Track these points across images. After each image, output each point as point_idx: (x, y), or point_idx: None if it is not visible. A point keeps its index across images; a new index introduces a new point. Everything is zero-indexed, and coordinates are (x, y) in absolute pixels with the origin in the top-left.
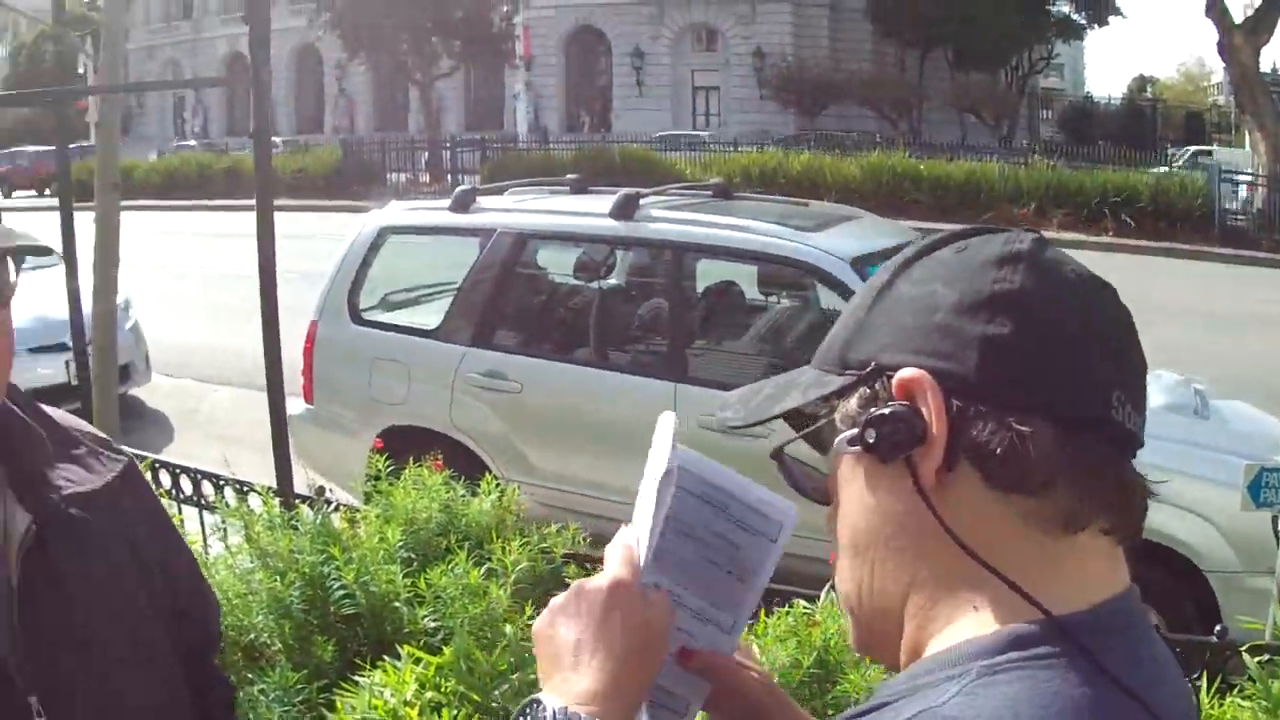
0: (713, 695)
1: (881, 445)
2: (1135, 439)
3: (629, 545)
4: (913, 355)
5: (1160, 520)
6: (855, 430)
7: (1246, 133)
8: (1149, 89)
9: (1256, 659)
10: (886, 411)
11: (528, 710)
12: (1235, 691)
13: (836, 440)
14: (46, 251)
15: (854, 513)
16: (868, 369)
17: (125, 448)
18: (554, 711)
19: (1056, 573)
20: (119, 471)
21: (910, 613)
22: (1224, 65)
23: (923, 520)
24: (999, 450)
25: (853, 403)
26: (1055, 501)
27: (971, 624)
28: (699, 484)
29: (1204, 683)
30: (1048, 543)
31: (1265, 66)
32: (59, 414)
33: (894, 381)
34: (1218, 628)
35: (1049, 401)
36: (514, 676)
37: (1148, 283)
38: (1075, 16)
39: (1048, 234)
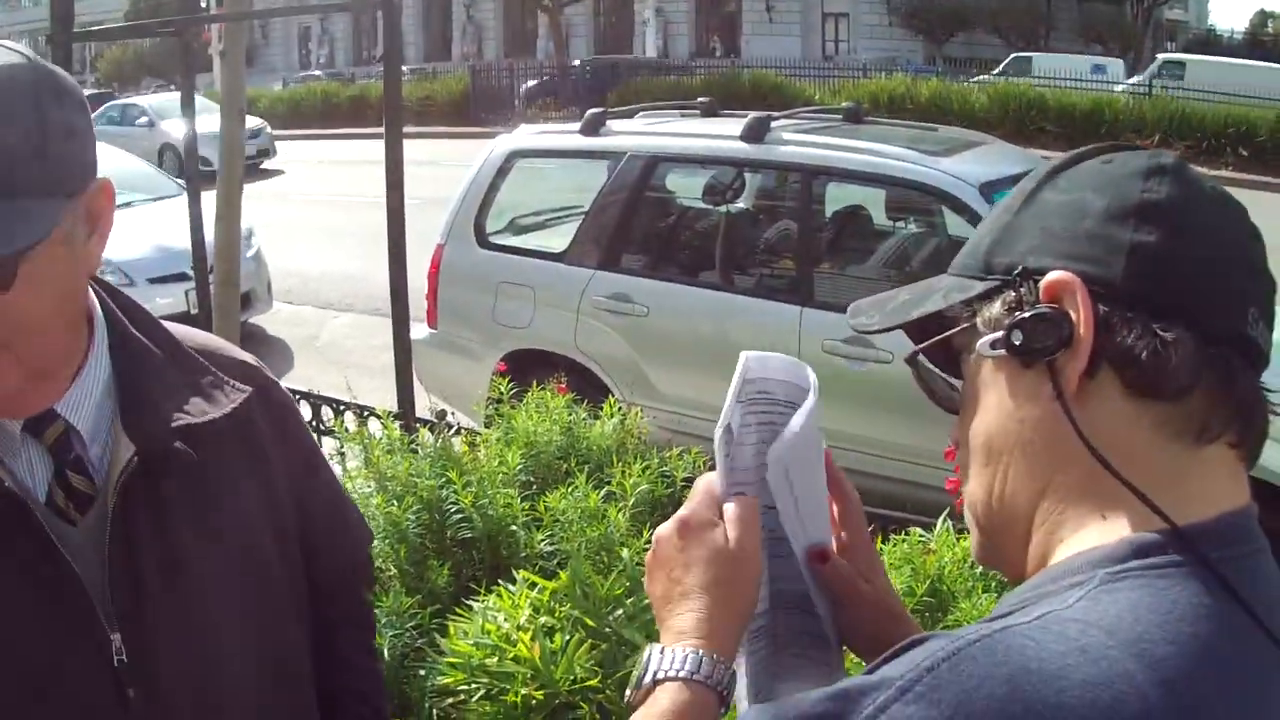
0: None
1: (1027, 347)
2: (1265, 356)
3: (708, 480)
4: (1061, 260)
5: (1271, 458)
6: (1000, 333)
7: None
8: (1270, 24)
9: None
10: (1034, 313)
11: (637, 660)
12: None
13: (978, 344)
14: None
15: (990, 419)
16: (1015, 272)
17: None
18: (651, 651)
19: (1184, 483)
20: (244, 400)
21: (1039, 520)
22: None
23: (1058, 427)
24: (1143, 356)
25: (997, 306)
26: (1190, 410)
27: (1098, 532)
28: (794, 394)
29: None
30: (1178, 452)
31: None
32: (191, 334)
33: (1041, 284)
34: None
35: (1192, 311)
36: (629, 601)
37: (1265, 220)
38: None
39: None
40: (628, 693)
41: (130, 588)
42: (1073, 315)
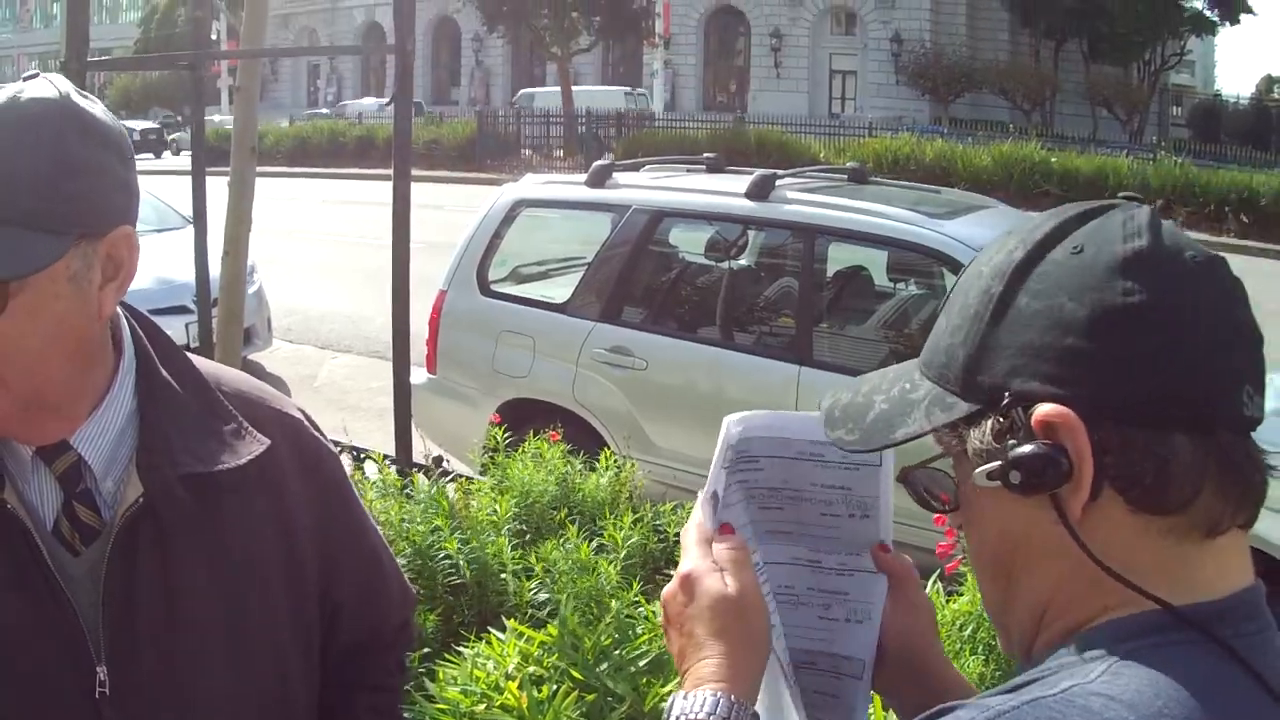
0: (889, 605)
1: (1026, 486)
2: (1260, 421)
3: (697, 529)
4: (1048, 384)
5: (1266, 528)
6: (995, 465)
7: None
8: (1276, 90)
9: None
10: (1030, 452)
11: (666, 709)
12: None
13: (974, 473)
14: (25, 273)
15: (990, 538)
16: (1002, 399)
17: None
18: (675, 700)
19: (1196, 573)
20: (258, 454)
21: (1047, 620)
22: None
23: (1065, 546)
24: (1145, 479)
25: (986, 434)
26: (1197, 514)
27: (1105, 620)
28: (777, 448)
29: None
30: (1188, 549)
31: None
32: (236, 382)
33: (1034, 417)
34: None
35: (1191, 415)
36: (616, 653)
37: (1265, 285)
38: (1207, 12)
39: None
40: None
41: (122, 623)
42: (1069, 450)
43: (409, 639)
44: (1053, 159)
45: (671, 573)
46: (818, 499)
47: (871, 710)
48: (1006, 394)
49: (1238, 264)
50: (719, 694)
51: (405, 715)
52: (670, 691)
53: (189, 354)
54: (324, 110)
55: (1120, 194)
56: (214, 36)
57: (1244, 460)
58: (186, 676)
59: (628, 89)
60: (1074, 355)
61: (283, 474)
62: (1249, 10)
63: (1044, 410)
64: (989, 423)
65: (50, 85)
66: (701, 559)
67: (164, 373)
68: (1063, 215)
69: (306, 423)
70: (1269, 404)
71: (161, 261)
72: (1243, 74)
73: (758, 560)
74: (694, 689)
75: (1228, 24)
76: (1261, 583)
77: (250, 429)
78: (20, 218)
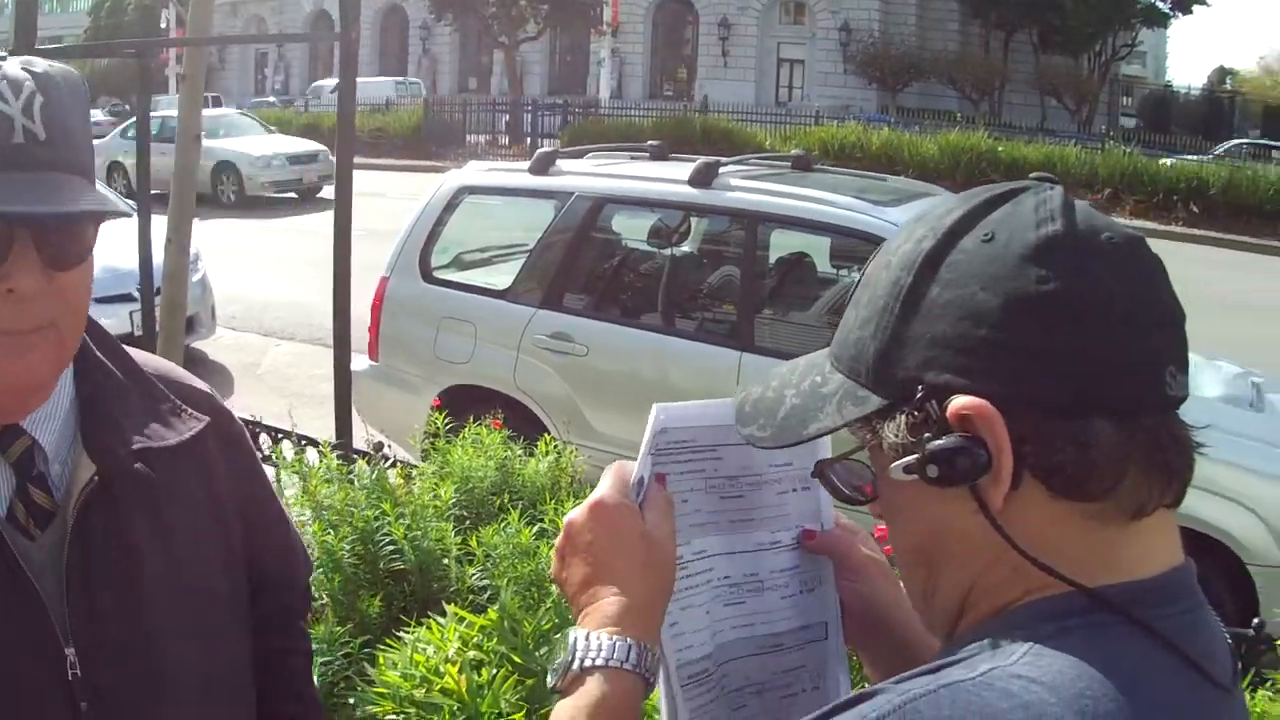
0: (837, 573)
1: (944, 480)
2: (1184, 400)
3: (618, 465)
4: (964, 376)
5: (1208, 510)
6: (911, 458)
7: None
8: (1229, 81)
9: None
10: (946, 445)
11: (559, 646)
12: (1268, 685)
13: (890, 466)
14: (127, 214)
15: (911, 529)
16: (915, 393)
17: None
18: (576, 638)
19: (1121, 555)
20: (201, 429)
21: (970, 603)
22: None
23: (986, 535)
24: (1066, 468)
25: (900, 426)
26: (1121, 498)
27: (1026, 602)
28: (727, 436)
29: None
30: (1113, 532)
31: None
32: (152, 361)
33: (949, 410)
34: (1255, 621)
35: (1111, 401)
36: (556, 637)
37: (1212, 274)
38: (1160, 3)
39: (1119, 221)
40: (551, 678)
41: (86, 604)
42: (987, 441)
43: (309, 603)
44: (1000, 148)
45: None
46: (769, 479)
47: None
48: (920, 387)
49: (1187, 253)
50: (629, 639)
51: (348, 700)
52: None
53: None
54: (271, 99)
55: (1032, 175)
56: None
57: (1169, 441)
58: (152, 652)
59: (399, 79)
60: (989, 346)
61: (208, 450)
62: (1202, 1)
63: (959, 403)
64: (903, 416)
65: (38, 60)
66: (617, 492)
67: (100, 356)
68: (972, 201)
69: (216, 398)
70: (1216, 390)
71: (107, 249)
72: (1196, 65)
73: (705, 549)
74: (599, 629)
75: (1180, 14)
76: (1192, 562)
77: (183, 406)
78: (86, 172)
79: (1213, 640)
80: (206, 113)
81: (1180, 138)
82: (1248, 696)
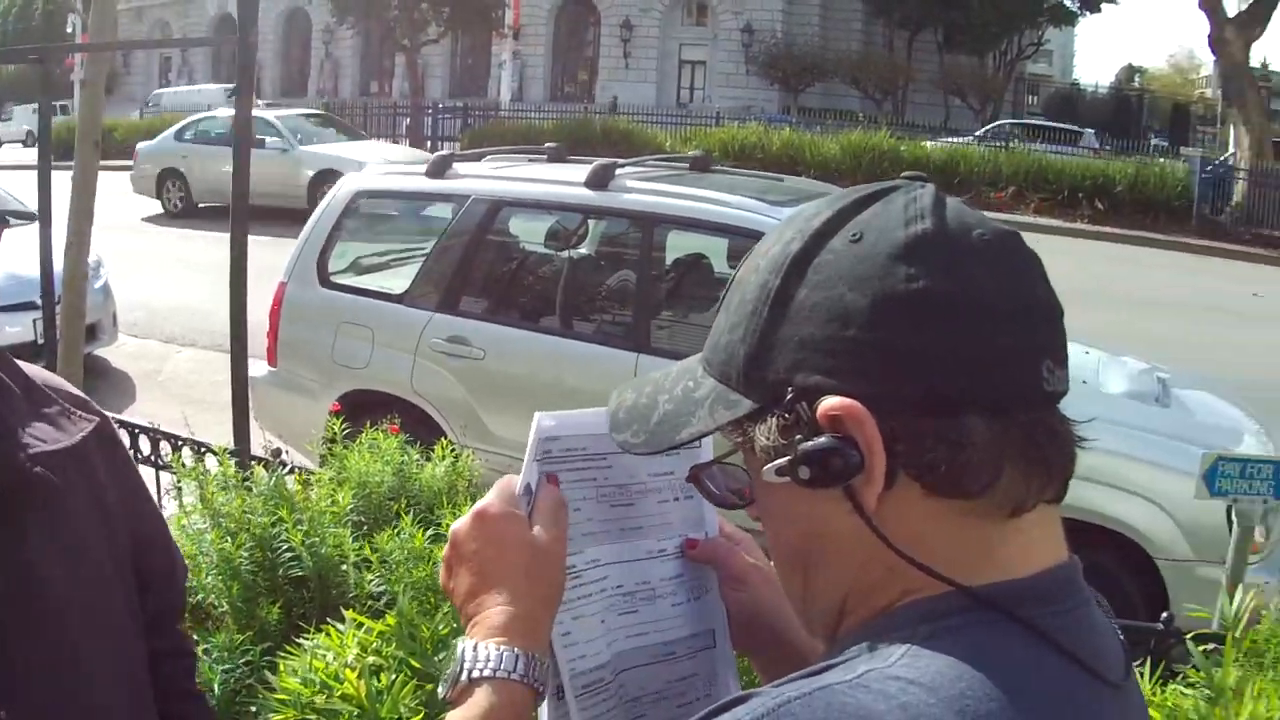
0: (720, 581)
1: (816, 481)
2: (1064, 394)
3: (507, 478)
4: (833, 377)
5: (1114, 506)
6: (783, 460)
7: (1231, 126)
8: (1137, 79)
9: (1201, 648)
10: (817, 447)
11: (449, 656)
12: (1178, 679)
13: (763, 469)
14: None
15: (786, 531)
16: (785, 395)
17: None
18: (465, 649)
19: (999, 553)
20: (89, 431)
21: (849, 608)
22: (1214, 58)
23: (861, 535)
24: (939, 467)
25: (771, 428)
26: (998, 495)
27: (905, 602)
28: (611, 444)
29: (1147, 669)
30: (990, 530)
31: (1255, 61)
32: (35, 370)
33: (819, 411)
34: (1164, 615)
35: (985, 398)
36: (454, 642)
37: (1118, 270)
38: (1067, 2)
39: (1023, 219)
40: (441, 690)
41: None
42: (859, 442)
43: (185, 605)
44: (902, 147)
45: None
46: (651, 487)
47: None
48: (790, 389)
49: (1093, 249)
50: (517, 650)
51: (250, 708)
52: None
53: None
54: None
55: (904, 174)
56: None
57: (1046, 438)
58: (62, 656)
59: (229, 85)
60: (858, 346)
61: (91, 455)
62: (1110, 0)
63: (829, 404)
64: (774, 419)
65: None
66: (502, 501)
67: None
68: (841, 202)
69: (93, 403)
70: (1122, 386)
71: (9, 257)
72: (1104, 63)
73: (598, 558)
74: (487, 639)
75: (1088, 13)
76: (1076, 559)
77: (73, 409)
78: None
79: (1100, 637)
80: (287, 113)
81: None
82: (1157, 691)
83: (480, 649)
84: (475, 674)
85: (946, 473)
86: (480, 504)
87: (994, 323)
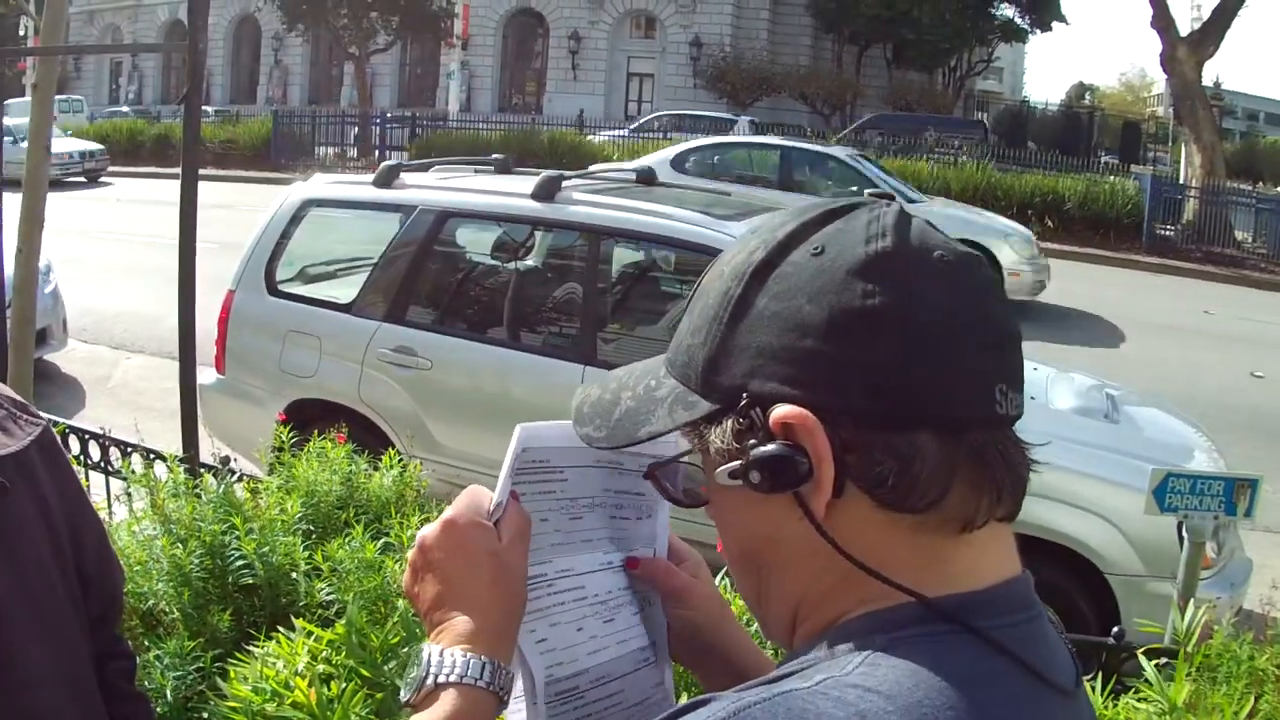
0: (663, 599)
1: (767, 486)
2: (1018, 418)
3: (475, 489)
4: (787, 386)
5: (1064, 522)
6: (736, 464)
7: (1183, 145)
8: (1088, 96)
9: (1154, 662)
10: (768, 453)
11: (413, 663)
12: (1131, 694)
13: (716, 471)
14: None
15: (739, 534)
16: (740, 400)
17: (41, 413)
18: (430, 654)
19: (950, 567)
20: (35, 436)
21: (802, 615)
22: (1166, 76)
23: (813, 542)
24: (887, 480)
25: (726, 431)
26: (948, 511)
27: (861, 613)
28: (576, 457)
29: (1099, 684)
30: (941, 543)
31: (1207, 80)
32: None
33: (772, 419)
34: (1115, 629)
35: (935, 417)
36: (404, 651)
37: (1071, 287)
38: (1018, 20)
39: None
40: (405, 693)
41: None
42: (808, 449)
43: (123, 609)
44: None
45: None
46: (609, 503)
47: None
48: (745, 395)
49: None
50: (483, 658)
51: (201, 715)
52: None
53: None
54: (124, 109)
55: (868, 192)
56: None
57: (997, 458)
58: (14, 666)
59: (64, 96)
60: (812, 357)
61: (33, 460)
62: (1061, 18)
63: (781, 411)
64: (730, 423)
65: None
66: (470, 510)
67: None
68: (805, 215)
69: (32, 407)
70: (1071, 403)
71: None
72: (1054, 81)
73: (570, 567)
74: (452, 646)
75: (1039, 31)
76: (1028, 573)
77: (18, 414)
78: None
79: (1051, 648)
80: None
81: (1037, 153)
82: (1109, 705)
83: (446, 655)
84: (441, 679)
85: (894, 486)
86: (449, 513)
87: (947, 344)
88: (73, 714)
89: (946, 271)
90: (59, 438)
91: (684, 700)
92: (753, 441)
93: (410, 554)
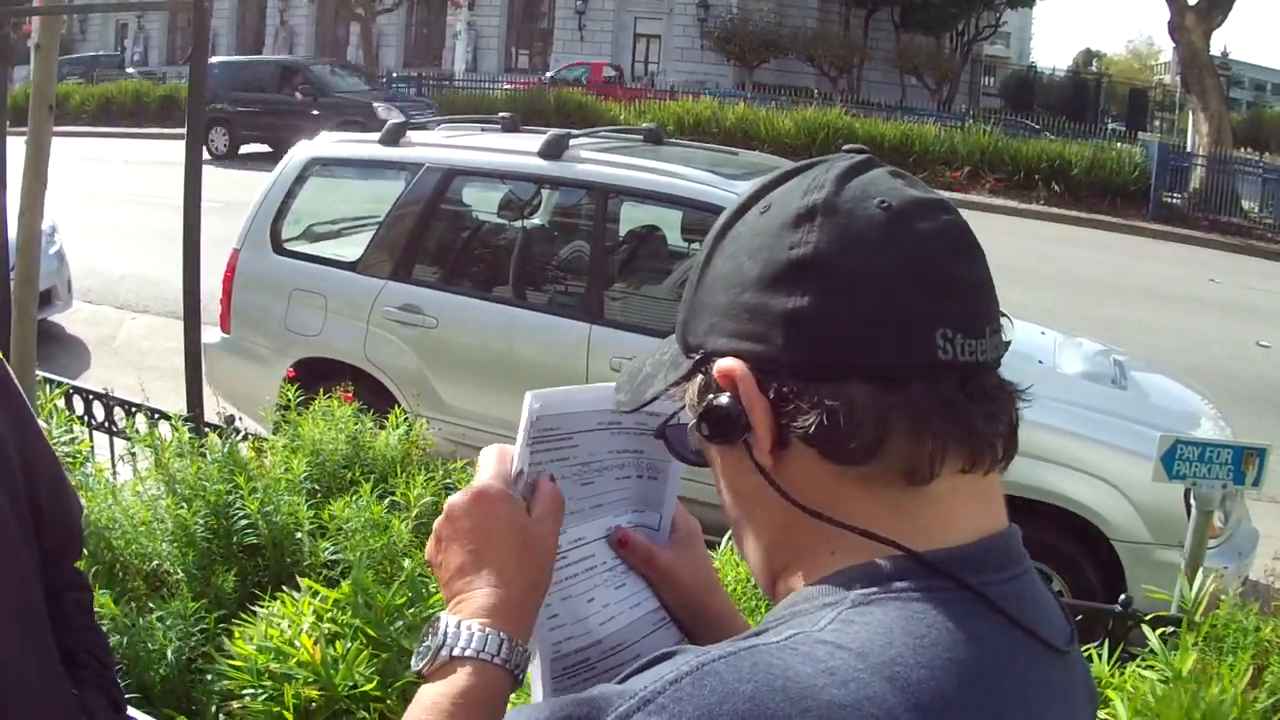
0: (654, 580)
1: (714, 437)
2: (979, 366)
3: (500, 451)
4: (730, 339)
5: (1070, 487)
6: (695, 419)
7: (1190, 113)
8: (1095, 63)
9: (1159, 630)
10: (712, 404)
11: (428, 632)
12: (1137, 662)
13: (689, 427)
14: None
15: (721, 488)
16: (700, 355)
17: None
18: (448, 625)
19: (917, 520)
20: None
21: (778, 568)
22: (1173, 45)
23: (769, 491)
24: (817, 430)
25: (694, 389)
26: (889, 461)
27: (837, 567)
28: (582, 422)
29: (1105, 651)
30: (896, 495)
31: (1215, 49)
32: None
33: (714, 372)
34: (1122, 597)
35: (865, 365)
36: (410, 611)
37: (1076, 252)
38: None
39: (979, 199)
40: (416, 661)
41: None
42: (742, 399)
43: (82, 546)
44: (856, 124)
45: None
46: (612, 464)
47: None
48: (700, 352)
49: (1050, 232)
50: (501, 634)
51: (206, 674)
52: None
53: None
54: (130, 70)
55: (845, 146)
56: None
57: (939, 408)
58: None
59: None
60: (750, 311)
61: None
62: None
63: (720, 365)
64: (698, 379)
65: None
66: (501, 481)
67: None
68: (770, 176)
69: None
70: (1078, 367)
71: None
72: (1062, 47)
73: (581, 536)
74: (472, 619)
75: None
76: (1015, 527)
77: None
78: None
79: (1041, 605)
80: None
81: (1044, 118)
82: (1116, 673)
83: (464, 627)
84: (456, 652)
85: (830, 436)
86: (479, 483)
87: (879, 290)
88: (21, 644)
89: (884, 220)
90: (59, 399)
91: None
92: (711, 396)
93: (437, 522)
